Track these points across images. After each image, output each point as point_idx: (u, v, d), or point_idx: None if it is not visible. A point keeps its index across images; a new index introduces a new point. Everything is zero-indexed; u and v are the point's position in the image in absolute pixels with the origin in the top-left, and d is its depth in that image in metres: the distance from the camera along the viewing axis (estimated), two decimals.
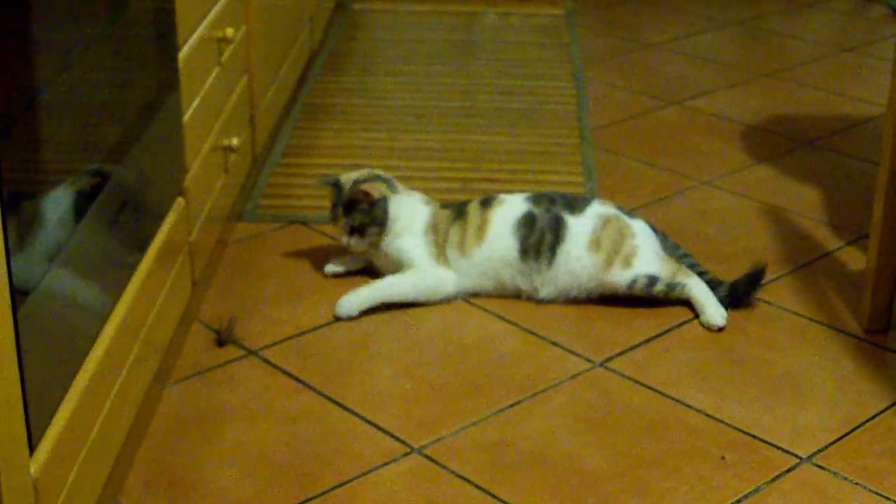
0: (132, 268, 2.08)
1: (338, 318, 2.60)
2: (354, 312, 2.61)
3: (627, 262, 2.62)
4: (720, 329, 2.57)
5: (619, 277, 2.63)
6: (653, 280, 2.62)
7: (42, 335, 1.66)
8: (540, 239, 2.65)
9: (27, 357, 1.58)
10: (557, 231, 2.65)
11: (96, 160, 1.93)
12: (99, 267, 1.93)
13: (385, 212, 2.68)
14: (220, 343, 2.50)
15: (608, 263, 2.62)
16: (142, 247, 2.14)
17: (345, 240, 2.69)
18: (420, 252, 2.67)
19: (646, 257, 2.63)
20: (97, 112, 1.96)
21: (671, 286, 2.62)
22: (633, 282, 2.63)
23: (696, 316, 2.63)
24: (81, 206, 1.83)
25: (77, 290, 1.82)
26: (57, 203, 1.76)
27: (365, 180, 2.70)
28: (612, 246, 2.63)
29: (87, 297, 1.87)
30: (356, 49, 4.32)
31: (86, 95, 1.90)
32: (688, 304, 2.64)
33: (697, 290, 2.62)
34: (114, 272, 2.00)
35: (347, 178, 2.73)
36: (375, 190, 2.68)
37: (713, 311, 2.59)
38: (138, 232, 2.13)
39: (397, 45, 4.36)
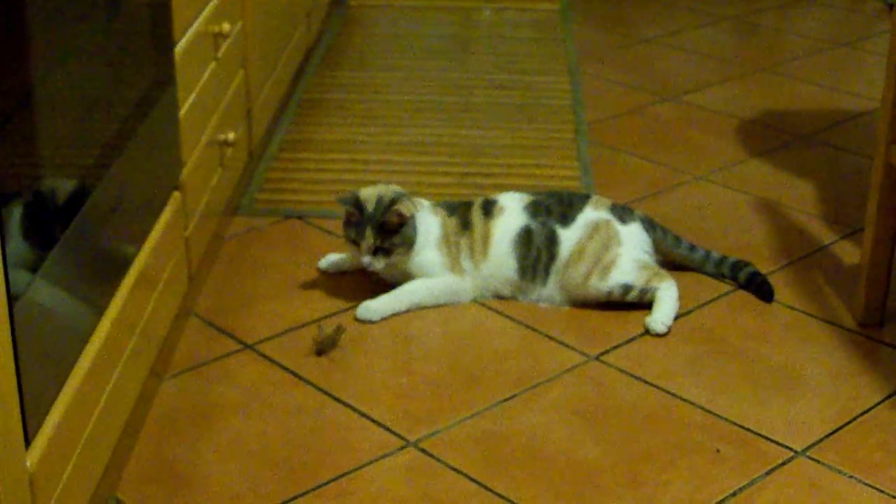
0: (128, 262, 2.08)
1: (358, 321, 2.59)
2: (376, 318, 2.60)
3: (605, 274, 2.62)
4: (657, 335, 2.56)
5: (595, 289, 2.63)
6: (627, 288, 2.62)
7: (38, 329, 1.66)
8: (536, 258, 2.65)
9: (23, 350, 1.59)
10: (551, 248, 2.65)
11: (92, 155, 1.94)
12: (95, 261, 1.94)
13: (415, 231, 2.64)
14: (320, 352, 2.48)
15: (588, 275, 2.62)
16: (139, 241, 2.14)
17: (367, 260, 2.61)
18: (438, 267, 2.66)
19: (624, 267, 2.63)
20: (93, 107, 1.96)
21: (644, 291, 2.62)
22: (609, 292, 2.63)
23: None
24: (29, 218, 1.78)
25: (73, 285, 1.83)
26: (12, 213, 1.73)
27: (393, 199, 2.62)
28: (593, 257, 2.62)
29: (83, 292, 1.87)
30: (352, 44, 4.32)
31: (82, 90, 1.91)
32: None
33: (661, 293, 2.61)
34: (110, 266, 2.01)
35: (367, 194, 2.64)
36: (407, 209, 2.62)
37: (658, 316, 2.58)
38: (135, 226, 2.13)
39: (393, 41, 4.37)
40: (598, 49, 4.31)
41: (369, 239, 2.60)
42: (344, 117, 3.66)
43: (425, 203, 2.71)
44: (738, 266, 2.73)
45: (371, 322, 2.59)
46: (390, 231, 2.60)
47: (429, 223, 2.68)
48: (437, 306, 2.65)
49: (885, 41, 4.34)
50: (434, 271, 2.66)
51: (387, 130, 3.57)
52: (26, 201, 1.68)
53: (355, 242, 2.63)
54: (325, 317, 2.60)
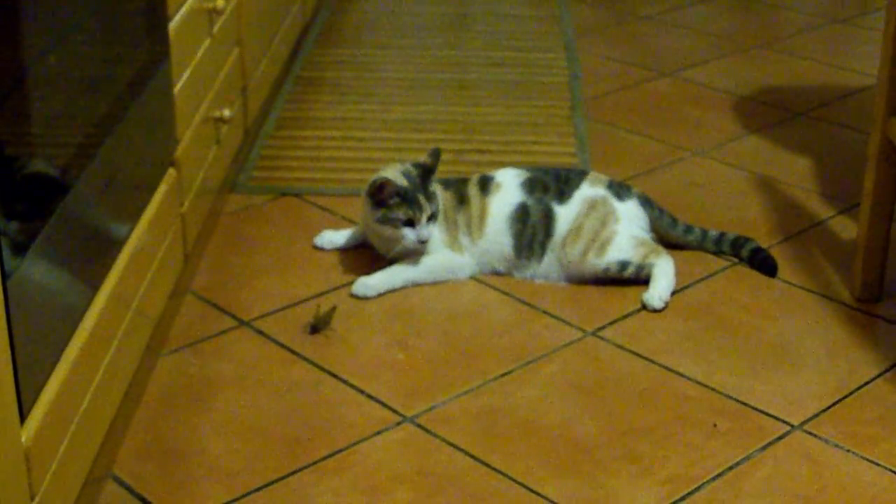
0: (124, 238, 2.08)
1: (354, 296, 2.59)
2: (372, 294, 2.59)
3: (602, 251, 2.61)
4: (654, 311, 2.56)
5: (592, 266, 2.62)
6: (624, 265, 2.62)
7: (32, 305, 1.66)
8: (532, 235, 2.64)
9: (17, 326, 1.58)
10: (547, 225, 2.64)
11: (86, 132, 1.93)
12: (90, 238, 1.93)
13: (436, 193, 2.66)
14: (314, 330, 2.47)
15: (585, 253, 2.62)
16: (133, 217, 2.14)
17: (427, 231, 2.59)
18: (437, 243, 2.65)
19: (621, 244, 2.62)
20: (87, 83, 1.95)
21: (640, 267, 2.62)
22: (606, 269, 2.62)
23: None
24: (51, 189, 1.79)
25: (68, 261, 1.82)
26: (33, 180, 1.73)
27: (421, 165, 2.64)
28: (591, 234, 2.62)
29: (77, 268, 1.87)
30: (349, 21, 4.31)
31: (77, 67, 1.90)
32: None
33: (658, 269, 2.61)
34: (105, 243, 2.00)
35: (393, 174, 2.61)
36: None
37: (655, 292, 2.58)
38: (130, 202, 2.13)
39: (390, 18, 4.36)
40: (595, 25, 4.30)
41: (426, 206, 2.59)
42: (340, 95, 3.65)
43: None
44: (738, 242, 2.73)
45: (367, 298, 2.58)
46: (433, 195, 2.61)
47: None
48: (435, 283, 2.65)
49: (881, 17, 4.32)
50: (434, 247, 2.65)
51: (383, 108, 3.56)
52: (20, 178, 1.67)
53: (409, 221, 2.59)
54: (322, 293, 2.60)
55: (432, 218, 2.61)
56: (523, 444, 2.16)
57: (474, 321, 2.53)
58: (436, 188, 2.66)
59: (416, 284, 2.64)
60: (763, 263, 2.70)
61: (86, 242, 1.91)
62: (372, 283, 2.60)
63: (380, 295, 2.60)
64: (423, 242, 2.61)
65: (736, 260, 2.74)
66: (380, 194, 2.59)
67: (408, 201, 2.59)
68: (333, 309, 2.50)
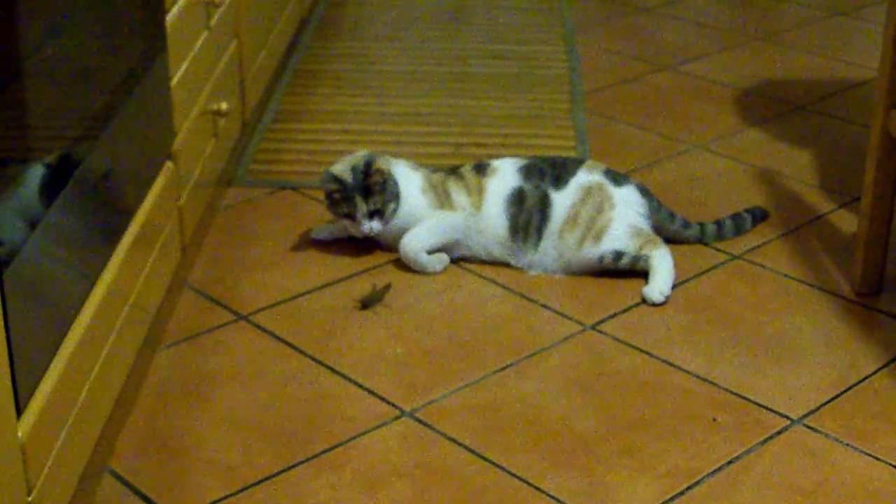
0: (121, 231, 2.07)
1: (405, 257, 2.64)
2: (424, 251, 2.64)
3: (598, 239, 2.61)
4: (654, 304, 2.55)
5: (588, 254, 2.62)
6: (619, 255, 2.61)
7: (29, 298, 1.65)
8: (528, 219, 2.64)
9: (13, 319, 1.58)
10: (544, 211, 2.64)
11: (83, 124, 1.92)
12: (87, 230, 1.92)
13: (396, 183, 2.67)
14: (365, 305, 2.51)
15: (581, 241, 2.61)
16: (130, 211, 2.13)
17: (367, 227, 2.65)
18: (426, 209, 2.67)
19: (617, 232, 2.62)
20: (85, 75, 1.94)
21: (636, 259, 2.61)
22: (601, 258, 2.62)
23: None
24: (49, 181, 1.79)
25: (65, 254, 1.81)
26: (29, 175, 1.73)
27: (368, 162, 2.66)
28: (587, 222, 2.61)
29: (75, 261, 1.86)
30: (347, 14, 4.30)
31: (73, 59, 1.89)
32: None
33: (656, 261, 2.60)
34: (102, 236, 1.99)
35: (342, 168, 2.67)
36: (384, 164, 2.67)
37: (655, 286, 2.57)
38: (127, 196, 2.12)
39: (388, 10, 4.35)
40: (595, 18, 4.29)
41: (361, 206, 2.63)
42: (338, 87, 3.64)
43: (401, 161, 2.75)
44: (737, 222, 2.78)
45: (422, 251, 2.63)
46: (377, 191, 2.63)
47: (408, 176, 2.70)
48: (464, 241, 2.68)
49: (882, 10, 4.32)
50: (424, 214, 2.67)
51: (381, 101, 3.55)
52: (17, 170, 1.66)
53: (349, 215, 2.64)
54: (321, 287, 2.59)
55: (377, 214, 2.65)
56: (522, 438, 2.15)
57: (473, 315, 2.52)
58: (399, 175, 2.69)
59: (453, 232, 2.67)
60: (758, 217, 2.83)
61: (83, 235, 1.90)
62: (413, 243, 2.65)
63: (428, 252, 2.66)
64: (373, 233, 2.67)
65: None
66: (324, 187, 2.70)
67: (345, 199, 2.65)
68: (388, 286, 2.55)
